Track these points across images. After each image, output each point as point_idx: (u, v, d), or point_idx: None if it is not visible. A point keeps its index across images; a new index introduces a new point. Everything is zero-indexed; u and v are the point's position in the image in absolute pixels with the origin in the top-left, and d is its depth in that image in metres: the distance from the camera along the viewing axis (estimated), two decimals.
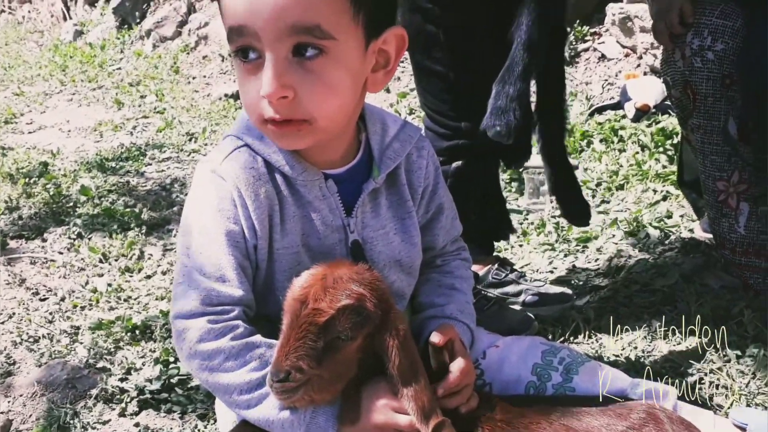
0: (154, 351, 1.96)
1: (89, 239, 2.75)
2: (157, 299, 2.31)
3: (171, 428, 1.66)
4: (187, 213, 1.30)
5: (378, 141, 1.36)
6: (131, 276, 2.49)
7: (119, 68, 6.08)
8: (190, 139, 4.07)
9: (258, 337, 1.25)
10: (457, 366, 1.31)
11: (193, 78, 5.50)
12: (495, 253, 2.21)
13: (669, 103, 3.30)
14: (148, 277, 2.47)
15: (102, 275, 2.49)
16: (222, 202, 1.25)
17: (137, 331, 2.07)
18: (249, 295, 1.28)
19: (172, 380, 1.78)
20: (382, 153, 1.36)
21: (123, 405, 1.74)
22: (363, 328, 1.17)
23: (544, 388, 1.44)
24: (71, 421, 1.69)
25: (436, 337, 1.31)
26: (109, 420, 1.71)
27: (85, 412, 1.73)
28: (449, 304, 1.46)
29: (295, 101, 1.16)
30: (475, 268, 1.90)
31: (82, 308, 2.27)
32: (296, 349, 1.14)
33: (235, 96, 4.62)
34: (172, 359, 1.86)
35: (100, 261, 2.58)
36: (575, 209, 2.03)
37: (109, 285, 2.39)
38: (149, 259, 2.60)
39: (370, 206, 1.36)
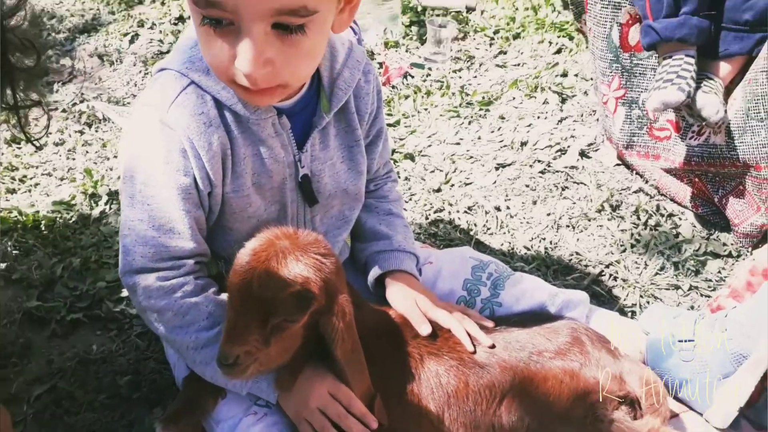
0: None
1: None
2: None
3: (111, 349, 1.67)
4: (132, 162, 1.21)
5: (327, 69, 1.30)
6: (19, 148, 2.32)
7: None
8: None
9: (207, 296, 1.26)
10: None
11: None
12: None
13: None
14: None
15: None
16: (171, 153, 1.18)
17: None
18: (201, 246, 1.26)
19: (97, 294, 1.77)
20: (332, 84, 1.30)
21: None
22: (308, 310, 1.16)
23: (473, 303, 1.53)
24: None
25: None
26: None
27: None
28: (395, 235, 1.50)
29: (273, 72, 1.07)
30: None
31: None
32: (243, 335, 1.13)
33: None
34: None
35: None
36: None
37: None
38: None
39: (320, 138, 1.32)
